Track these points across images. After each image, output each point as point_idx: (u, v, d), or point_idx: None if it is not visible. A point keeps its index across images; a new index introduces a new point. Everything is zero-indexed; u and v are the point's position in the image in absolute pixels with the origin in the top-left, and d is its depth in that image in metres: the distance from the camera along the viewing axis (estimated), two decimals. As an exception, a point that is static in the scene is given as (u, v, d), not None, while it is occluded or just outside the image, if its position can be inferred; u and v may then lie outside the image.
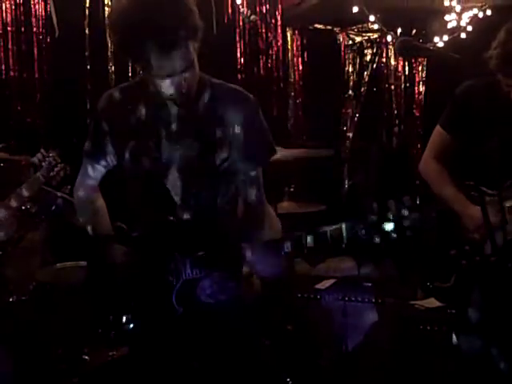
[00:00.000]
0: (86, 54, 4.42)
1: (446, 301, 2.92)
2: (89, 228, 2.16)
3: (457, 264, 2.64)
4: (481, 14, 4.40)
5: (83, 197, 2.23)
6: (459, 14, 4.28)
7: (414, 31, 4.83)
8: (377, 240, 1.91)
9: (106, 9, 4.46)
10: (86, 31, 4.42)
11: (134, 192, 2.19)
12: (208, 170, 2.07)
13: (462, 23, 4.34)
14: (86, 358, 2.65)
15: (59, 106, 4.35)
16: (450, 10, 4.26)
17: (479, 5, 4.38)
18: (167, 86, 1.94)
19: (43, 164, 2.74)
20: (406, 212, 1.89)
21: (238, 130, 2.05)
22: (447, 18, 4.32)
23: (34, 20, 4.28)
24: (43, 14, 4.30)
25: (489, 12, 4.42)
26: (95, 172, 2.21)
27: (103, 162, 2.18)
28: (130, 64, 4.46)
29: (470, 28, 4.41)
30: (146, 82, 2.02)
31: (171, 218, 2.07)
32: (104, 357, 2.58)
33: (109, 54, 4.46)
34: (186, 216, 2.08)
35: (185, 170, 2.07)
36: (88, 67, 4.43)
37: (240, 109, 2.05)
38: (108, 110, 2.14)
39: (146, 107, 2.08)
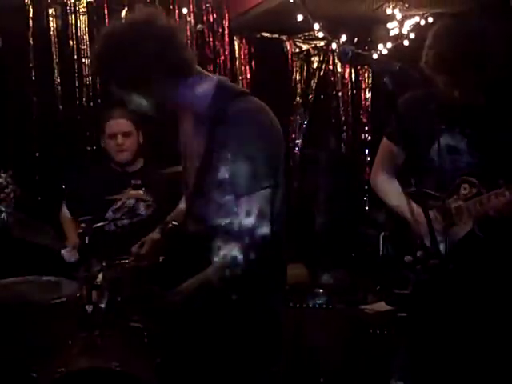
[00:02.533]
0: (31, 65, 4.35)
1: (405, 308, 2.98)
2: None
3: (413, 270, 2.70)
4: (423, 22, 4.49)
5: None
6: (401, 22, 4.37)
7: (356, 39, 4.91)
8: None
9: (51, 19, 4.40)
10: (31, 42, 4.34)
11: None
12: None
13: (404, 31, 4.43)
14: (34, 375, 2.60)
15: (4, 119, 4.27)
16: (392, 18, 4.34)
17: (421, 13, 4.48)
18: None
19: None
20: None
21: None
22: (389, 25, 4.41)
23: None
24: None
25: (430, 19, 4.52)
26: None
27: None
28: (75, 75, 4.45)
29: (412, 35, 4.50)
30: None
31: None
32: (52, 373, 2.54)
33: (54, 65, 4.40)
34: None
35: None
36: (33, 78, 4.36)
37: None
38: None
39: None
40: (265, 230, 2.01)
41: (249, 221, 2.00)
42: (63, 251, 3.56)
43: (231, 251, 2.02)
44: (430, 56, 2.56)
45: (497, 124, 2.59)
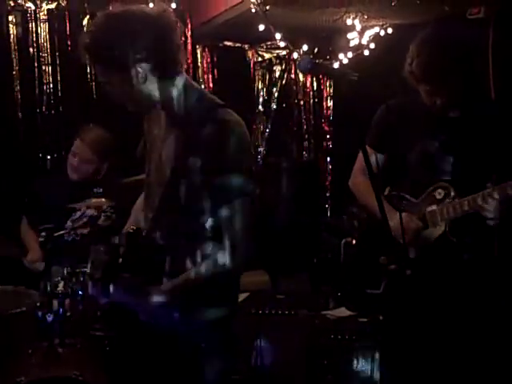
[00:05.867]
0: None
1: (376, 307, 3.02)
2: None
3: (386, 270, 2.76)
4: (382, 33, 4.57)
5: None
6: (360, 33, 4.43)
7: (317, 49, 4.97)
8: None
9: (11, 26, 4.37)
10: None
11: None
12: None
13: (364, 41, 4.50)
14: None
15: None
16: (352, 28, 4.40)
17: (380, 23, 4.55)
18: None
19: None
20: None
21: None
22: (350, 36, 4.47)
23: None
24: None
25: (390, 30, 4.60)
26: None
27: None
28: (36, 82, 4.41)
29: (372, 45, 4.57)
30: None
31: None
32: (12, 383, 2.52)
33: (14, 72, 4.36)
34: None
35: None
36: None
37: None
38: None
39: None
40: (246, 236, 2.05)
41: (231, 227, 2.04)
42: (26, 262, 3.53)
43: (216, 257, 2.05)
44: (415, 65, 2.63)
45: (471, 132, 2.68)
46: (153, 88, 2.08)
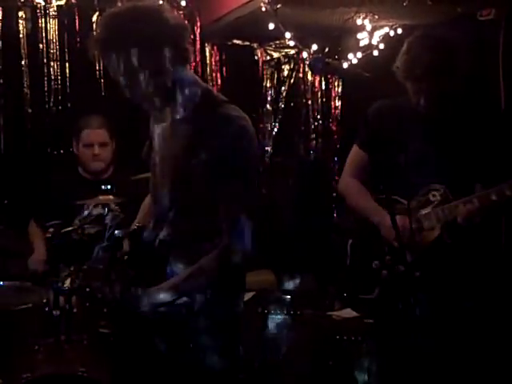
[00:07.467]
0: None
1: (370, 313, 3.00)
2: None
3: (380, 275, 2.74)
4: (392, 33, 4.55)
5: None
6: (370, 33, 4.42)
7: (327, 49, 4.95)
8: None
9: (21, 21, 4.37)
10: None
11: None
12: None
13: (374, 41, 4.49)
14: (1, 381, 2.58)
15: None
16: (362, 28, 4.39)
17: (390, 24, 4.54)
18: None
19: None
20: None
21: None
22: (359, 36, 4.45)
23: None
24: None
25: (400, 31, 4.58)
26: None
27: None
28: (45, 78, 4.42)
29: (381, 46, 4.56)
30: None
31: None
32: (18, 379, 2.52)
33: (23, 68, 4.36)
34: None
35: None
36: (1, 81, 4.32)
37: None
38: None
39: None
40: (251, 227, 2.05)
41: (235, 222, 2.05)
42: (29, 263, 3.53)
43: (219, 251, 2.06)
44: (402, 62, 2.63)
45: (463, 133, 2.65)
46: (167, 79, 2.09)
